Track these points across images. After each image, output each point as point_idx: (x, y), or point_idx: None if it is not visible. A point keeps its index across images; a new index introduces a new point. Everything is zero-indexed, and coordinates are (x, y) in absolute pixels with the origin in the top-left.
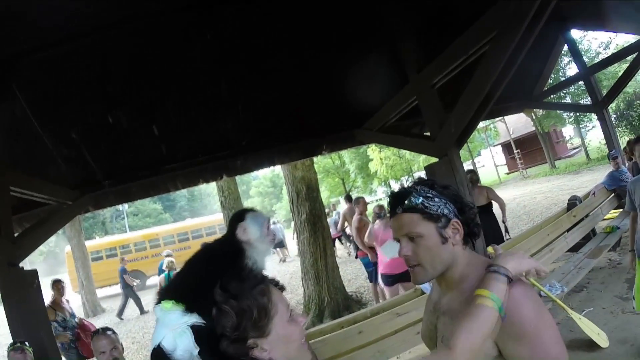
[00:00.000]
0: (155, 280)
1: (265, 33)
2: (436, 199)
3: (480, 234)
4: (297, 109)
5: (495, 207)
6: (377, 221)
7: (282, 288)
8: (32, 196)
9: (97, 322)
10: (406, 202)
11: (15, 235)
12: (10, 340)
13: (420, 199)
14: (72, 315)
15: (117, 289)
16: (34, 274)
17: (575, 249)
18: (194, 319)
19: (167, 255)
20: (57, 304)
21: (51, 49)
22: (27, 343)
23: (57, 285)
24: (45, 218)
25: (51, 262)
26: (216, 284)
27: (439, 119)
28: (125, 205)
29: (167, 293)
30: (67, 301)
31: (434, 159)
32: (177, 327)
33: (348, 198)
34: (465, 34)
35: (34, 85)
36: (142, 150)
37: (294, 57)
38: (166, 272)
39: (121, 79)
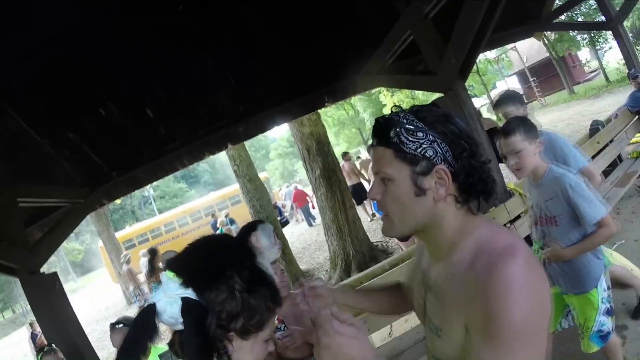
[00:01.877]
0: None
1: None
2: (419, 134)
3: (493, 193)
4: (291, 65)
5: None
6: None
7: (279, 305)
8: (44, 202)
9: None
10: (381, 130)
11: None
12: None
13: (397, 130)
14: None
15: None
16: (54, 276)
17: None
18: (188, 293)
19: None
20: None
21: (32, 57)
22: (53, 345)
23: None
24: (60, 220)
25: (90, 258)
26: (220, 270)
27: (437, 52)
28: (151, 190)
29: (173, 263)
30: None
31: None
32: (171, 295)
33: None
34: None
35: (23, 97)
36: (141, 136)
37: (279, 12)
38: (220, 228)
39: (107, 72)
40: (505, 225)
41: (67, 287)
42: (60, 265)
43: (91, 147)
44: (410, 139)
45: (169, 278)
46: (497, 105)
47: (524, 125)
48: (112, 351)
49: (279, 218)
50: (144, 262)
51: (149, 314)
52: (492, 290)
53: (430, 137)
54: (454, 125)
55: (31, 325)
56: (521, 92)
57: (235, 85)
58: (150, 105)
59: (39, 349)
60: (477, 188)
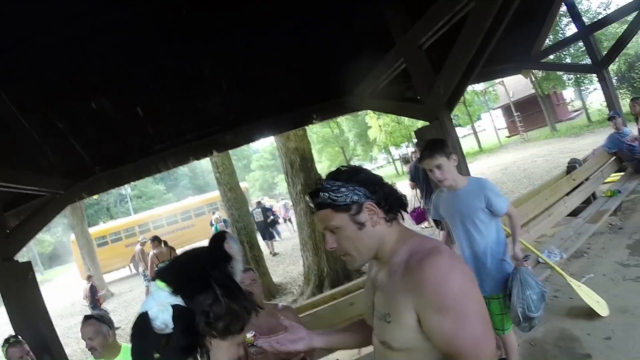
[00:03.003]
0: None
1: (244, 5)
2: (342, 189)
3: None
4: (284, 80)
5: None
6: None
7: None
8: (23, 189)
9: (106, 307)
10: (316, 199)
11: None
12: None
13: (327, 194)
14: None
15: (126, 272)
16: (28, 266)
17: (575, 213)
18: (178, 300)
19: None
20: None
21: (28, 42)
22: (19, 337)
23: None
24: (39, 209)
25: (60, 251)
26: (206, 278)
27: (427, 81)
28: (128, 189)
29: (162, 274)
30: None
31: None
32: (162, 303)
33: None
34: None
35: (15, 80)
36: (129, 133)
37: (276, 27)
38: (215, 225)
39: (101, 66)
40: None
41: None
42: (28, 255)
43: (78, 138)
44: (337, 195)
45: (158, 287)
46: (426, 157)
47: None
48: (76, 348)
49: (272, 217)
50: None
51: (144, 322)
52: (429, 276)
53: (350, 187)
54: (363, 173)
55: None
56: (504, 126)
57: (227, 93)
58: (141, 103)
59: (10, 337)
60: (395, 205)
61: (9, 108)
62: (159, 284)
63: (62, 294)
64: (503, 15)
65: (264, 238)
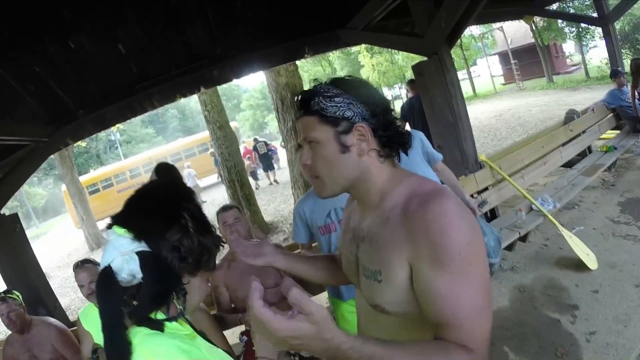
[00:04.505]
0: None
1: None
2: (337, 99)
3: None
4: (274, 10)
5: None
6: None
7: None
8: (4, 140)
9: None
10: (305, 102)
11: None
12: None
13: (318, 99)
14: None
15: None
16: (14, 218)
17: (569, 165)
18: (142, 246)
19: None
20: None
21: None
22: (14, 291)
23: None
24: (22, 159)
25: (53, 203)
26: (171, 214)
27: (427, 14)
28: (117, 134)
29: (119, 218)
30: None
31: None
32: (125, 252)
33: None
34: None
35: None
36: (111, 72)
37: None
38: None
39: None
40: (472, 195)
41: (30, 233)
42: (22, 210)
43: (57, 82)
44: (329, 104)
45: (118, 235)
46: None
47: None
48: (74, 297)
49: (269, 152)
50: None
51: (108, 277)
52: (433, 222)
53: (347, 100)
54: (368, 89)
55: None
56: (500, 73)
57: (214, 24)
58: (122, 39)
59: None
60: (395, 140)
61: None
62: (118, 230)
63: (58, 246)
64: None
65: (265, 170)
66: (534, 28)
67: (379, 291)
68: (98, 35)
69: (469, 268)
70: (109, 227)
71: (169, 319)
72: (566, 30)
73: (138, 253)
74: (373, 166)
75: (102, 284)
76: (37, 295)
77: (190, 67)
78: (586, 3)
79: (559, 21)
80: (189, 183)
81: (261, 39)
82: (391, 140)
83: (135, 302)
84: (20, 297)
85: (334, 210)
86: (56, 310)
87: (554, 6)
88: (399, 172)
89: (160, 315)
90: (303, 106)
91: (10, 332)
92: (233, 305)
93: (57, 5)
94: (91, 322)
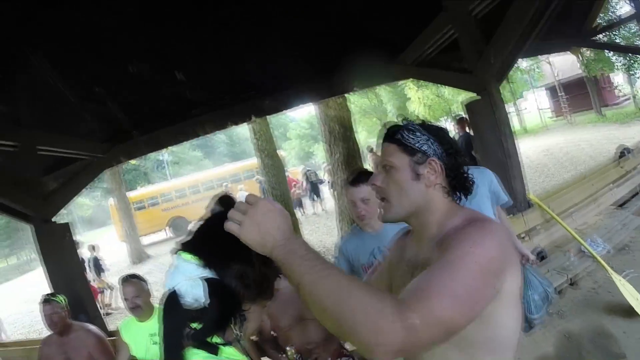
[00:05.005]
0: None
1: None
2: (418, 134)
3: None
4: (325, 44)
5: None
6: None
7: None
8: (62, 153)
9: (143, 268)
10: (390, 131)
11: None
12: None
13: (402, 131)
14: None
15: (162, 235)
16: (65, 227)
17: (621, 204)
18: (208, 273)
19: None
20: None
21: (65, 6)
22: (58, 295)
23: None
24: (77, 172)
25: (98, 214)
26: (237, 247)
27: (477, 50)
28: (166, 155)
29: (187, 245)
30: None
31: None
32: (192, 277)
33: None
34: None
35: (52, 45)
36: (167, 96)
37: None
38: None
39: (136, 27)
40: (519, 235)
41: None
42: (68, 218)
43: (116, 103)
44: (410, 136)
45: (185, 260)
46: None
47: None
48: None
49: (320, 179)
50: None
51: (174, 299)
52: (465, 232)
53: (426, 137)
54: (445, 134)
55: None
56: (548, 106)
57: (267, 57)
58: (179, 67)
59: (46, 295)
60: (459, 182)
61: (49, 73)
62: (185, 256)
63: (101, 256)
64: None
65: (312, 198)
66: (581, 59)
67: None
68: (156, 62)
69: (468, 263)
70: (175, 252)
71: (225, 344)
72: (614, 59)
73: (204, 279)
74: (436, 199)
75: (167, 305)
76: (80, 302)
77: (243, 96)
78: (633, 31)
79: (607, 51)
80: None
81: (313, 72)
82: (456, 181)
83: (196, 325)
84: (65, 300)
85: (377, 249)
86: (97, 319)
87: (602, 37)
88: (457, 207)
89: (216, 339)
90: (388, 135)
91: (49, 333)
92: (274, 333)
93: (118, 33)
94: (130, 335)
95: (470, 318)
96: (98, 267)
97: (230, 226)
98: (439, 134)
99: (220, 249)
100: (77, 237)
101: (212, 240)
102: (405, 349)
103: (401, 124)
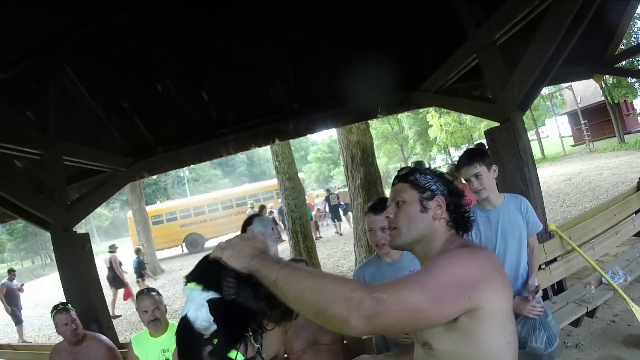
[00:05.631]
0: (213, 243)
1: None
2: (428, 176)
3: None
4: (350, 71)
5: None
6: None
7: None
8: (86, 165)
9: (157, 282)
10: (403, 173)
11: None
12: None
13: (414, 173)
14: None
15: (177, 250)
16: (85, 237)
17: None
18: (211, 294)
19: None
20: None
21: (95, 23)
22: (68, 305)
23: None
24: (100, 184)
25: (116, 225)
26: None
27: (500, 79)
28: (186, 172)
29: (192, 275)
30: None
31: (496, 125)
32: (198, 301)
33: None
34: None
35: (83, 59)
36: (192, 115)
37: (345, 16)
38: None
39: (165, 47)
40: (540, 266)
41: None
42: (86, 227)
43: (142, 119)
44: (422, 177)
45: (191, 289)
46: (463, 165)
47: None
48: (122, 319)
49: (340, 203)
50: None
51: (186, 325)
52: (450, 251)
53: (435, 179)
54: (451, 181)
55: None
56: (569, 134)
57: (293, 80)
58: (206, 87)
59: (59, 304)
60: (460, 219)
61: (77, 87)
62: (191, 285)
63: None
64: (584, 12)
65: (333, 220)
66: (603, 86)
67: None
68: (183, 81)
69: (446, 267)
70: (185, 284)
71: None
72: (637, 85)
73: (208, 301)
74: (440, 230)
75: (179, 330)
76: (93, 312)
77: (267, 119)
78: None
79: (630, 78)
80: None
81: (336, 97)
82: (457, 218)
83: (215, 341)
84: (74, 310)
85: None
86: (109, 329)
87: (623, 62)
88: (456, 237)
89: (240, 357)
90: (401, 176)
91: (59, 340)
92: (286, 356)
93: (149, 52)
94: (142, 349)
95: (437, 311)
96: (142, 270)
97: (215, 253)
98: (445, 180)
99: (213, 270)
100: (93, 246)
101: (210, 266)
102: (375, 323)
103: (415, 167)
